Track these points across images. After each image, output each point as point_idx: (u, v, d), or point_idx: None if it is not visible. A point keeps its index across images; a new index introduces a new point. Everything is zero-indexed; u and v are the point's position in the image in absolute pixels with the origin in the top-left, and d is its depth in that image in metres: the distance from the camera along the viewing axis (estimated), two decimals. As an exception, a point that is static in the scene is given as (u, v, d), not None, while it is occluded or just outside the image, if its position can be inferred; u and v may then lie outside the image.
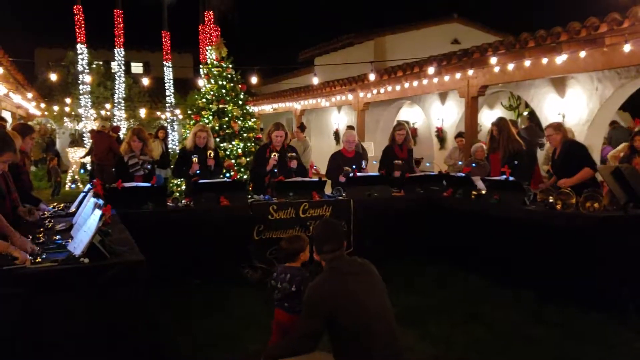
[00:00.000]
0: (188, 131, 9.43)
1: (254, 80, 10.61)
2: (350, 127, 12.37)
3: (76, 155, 15.86)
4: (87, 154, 14.52)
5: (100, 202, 3.98)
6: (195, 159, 6.62)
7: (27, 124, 5.53)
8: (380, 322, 2.90)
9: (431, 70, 9.88)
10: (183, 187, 8.75)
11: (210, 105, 9.78)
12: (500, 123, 7.01)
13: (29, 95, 16.14)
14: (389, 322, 2.97)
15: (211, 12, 21.02)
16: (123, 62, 21.62)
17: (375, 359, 2.82)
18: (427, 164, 9.05)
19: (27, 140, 5.25)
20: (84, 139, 19.81)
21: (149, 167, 6.63)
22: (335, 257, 3.06)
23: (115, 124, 17.08)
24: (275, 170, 6.66)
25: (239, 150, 9.54)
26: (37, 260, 3.14)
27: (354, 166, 6.92)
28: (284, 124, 7.12)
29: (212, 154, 6.83)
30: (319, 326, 2.88)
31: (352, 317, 2.84)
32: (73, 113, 20.49)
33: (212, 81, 9.95)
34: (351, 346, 2.87)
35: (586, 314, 4.72)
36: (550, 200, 5.41)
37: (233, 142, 9.59)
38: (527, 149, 7.12)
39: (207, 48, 14.44)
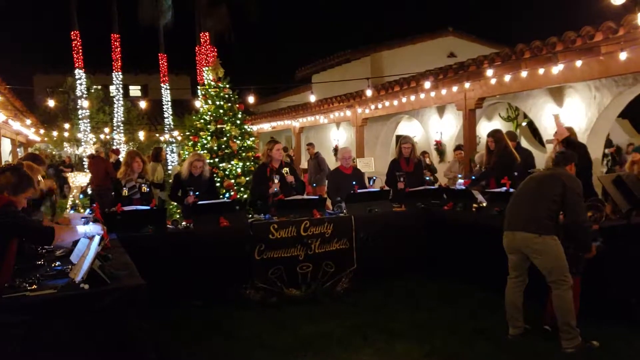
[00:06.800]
0: (187, 152, 9.41)
1: (251, 99, 10.61)
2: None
3: (76, 181, 15.81)
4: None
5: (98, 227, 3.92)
6: (192, 195, 6.37)
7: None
8: None
9: (428, 84, 9.89)
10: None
11: (209, 126, 9.77)
12: (496, 135, 6.92)
13: (28, 121, 16.16)
14: None
15: (207, 33, 21.18)
16: (121, 85, 21.72)
17: None
18: (427, 178, 9.00)
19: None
20: (83, 163, 19.81)
21: (147, 189, 6.59)
22: None
23: (114, 147, 17.08)
24: (277, 190, 6.63)
25: (238, 170, 9.52)
26: (35, 288, 3.11)
27: (354, 182, 6.89)
28: (281, 142, 7.10)
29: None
30: None
31: None
32: (73, 137, 20.54)
33: (210, 102, 9.96)
34: None
35: (594, 326, 4.61)
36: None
37: (232, 162, 9.57)
38: (522, 162, 7.04)
39: (204, 69, 14.50)
